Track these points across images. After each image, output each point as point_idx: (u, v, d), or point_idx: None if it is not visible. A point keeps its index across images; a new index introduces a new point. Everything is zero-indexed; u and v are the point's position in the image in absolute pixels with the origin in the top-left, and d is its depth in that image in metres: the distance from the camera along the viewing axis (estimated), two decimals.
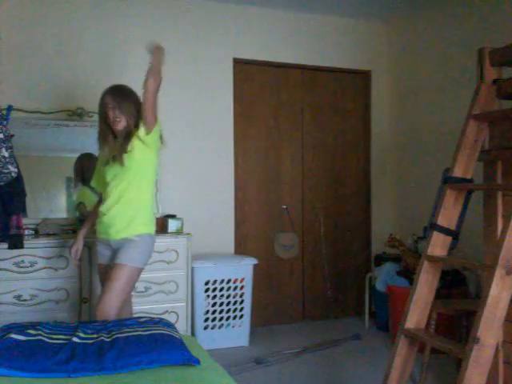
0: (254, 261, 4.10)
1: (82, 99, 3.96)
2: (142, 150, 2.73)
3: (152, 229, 2.81)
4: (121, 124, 2.74)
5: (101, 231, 2.83)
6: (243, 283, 4.05)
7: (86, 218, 3.21)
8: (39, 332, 2.07)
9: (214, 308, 3.97)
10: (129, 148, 2.71)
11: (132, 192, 2.74)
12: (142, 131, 2.72)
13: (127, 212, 2.73)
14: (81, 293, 3.46)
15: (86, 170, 3.88)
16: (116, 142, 2.76)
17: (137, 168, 2.74)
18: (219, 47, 4.43)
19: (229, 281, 4.01)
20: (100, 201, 2.96)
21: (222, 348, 3.91)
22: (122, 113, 2.73)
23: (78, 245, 2.96)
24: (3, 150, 2.69)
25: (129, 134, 2.74)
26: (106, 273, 2.77)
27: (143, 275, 3.57)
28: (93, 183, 3.07)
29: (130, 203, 2.73)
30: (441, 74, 4.36)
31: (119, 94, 2.78)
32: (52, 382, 1.80)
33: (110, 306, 2.58)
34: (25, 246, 3.17)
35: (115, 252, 2.76)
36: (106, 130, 2.79)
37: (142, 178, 2.76)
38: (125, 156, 2.70)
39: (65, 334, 2.10)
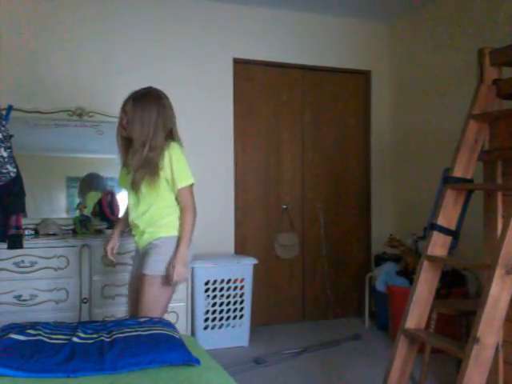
0: (254, 261, 4.10)
1: (82, 99, 3.97)
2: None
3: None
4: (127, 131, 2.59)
5: None
6: (243, 283, 4.05)
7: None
8: (39, 332, 2.07)
9: (214, 308, 3.96)
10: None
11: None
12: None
13: None
14: (81, 293, 3.46)
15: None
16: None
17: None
18: (219, 47, 4.43)
19: (229, 281, 4.01)
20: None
21: (222, 348, 3.91)
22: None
23: (115, 242, 2.78)
24: (2, 149, 2.69)
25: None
26: None
27: None
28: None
29: None
30: (441, 74, 4.36)
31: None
32: (52, 382, 1.80)
33: None
34: (25, 246, 3.17)
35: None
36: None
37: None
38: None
39: (65, 334, 2.09)
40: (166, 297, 2.59)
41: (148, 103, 2.56)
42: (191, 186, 2.64)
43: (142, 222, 2.62)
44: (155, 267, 2.54)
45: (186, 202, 2.60)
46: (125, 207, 2.79)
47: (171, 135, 2.63)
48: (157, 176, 2.54)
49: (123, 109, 2.60)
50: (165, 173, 2.55)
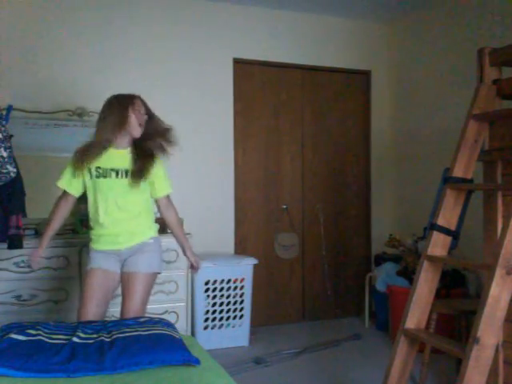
0: (254, 261, 4.10)
1: (81, 99, 3.96)
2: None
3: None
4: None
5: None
6: (243, 283, 4.05)
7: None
8: (39, 332, 2.07)
9: (214, 308, 3.97)
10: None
11: None
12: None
13: None
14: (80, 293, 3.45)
15: None
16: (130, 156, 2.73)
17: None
18: (219, 47, 4.43)
19: (229, 281, 4.01)
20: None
21: (222, 348, 3.91)
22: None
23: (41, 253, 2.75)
24: (2, 150, 2.69)
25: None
26: None
27: None
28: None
29: None
30: (441, 74, 4.36)
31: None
32: (52, 382, 1.80)
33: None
34: (24, 246, 3.17)
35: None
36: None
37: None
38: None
39: (65, 334, 2.09)
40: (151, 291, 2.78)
41: None
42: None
43: (131, 222, 2.69)
44: (153, 265, 2.71)
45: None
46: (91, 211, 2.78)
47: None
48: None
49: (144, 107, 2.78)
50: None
